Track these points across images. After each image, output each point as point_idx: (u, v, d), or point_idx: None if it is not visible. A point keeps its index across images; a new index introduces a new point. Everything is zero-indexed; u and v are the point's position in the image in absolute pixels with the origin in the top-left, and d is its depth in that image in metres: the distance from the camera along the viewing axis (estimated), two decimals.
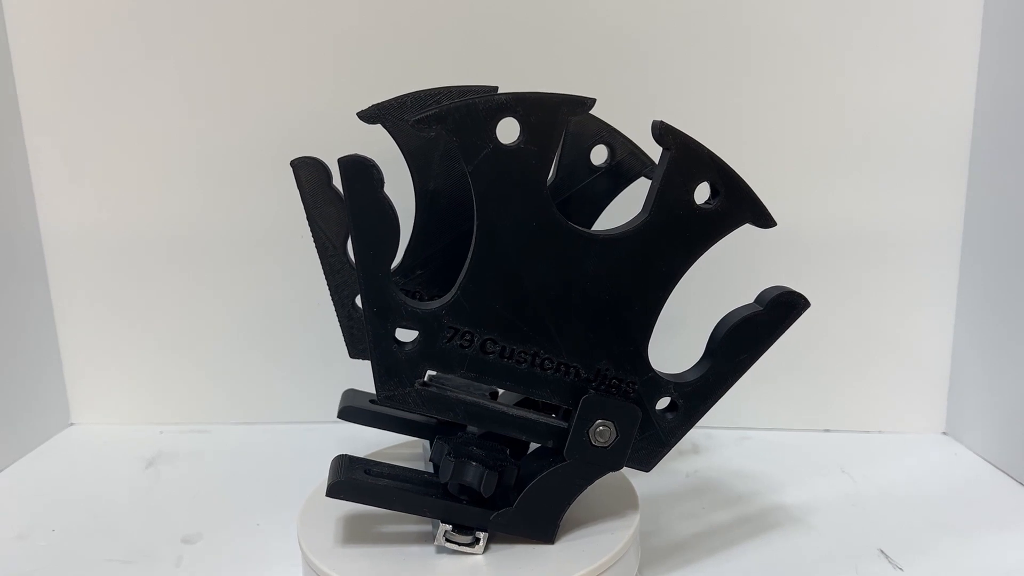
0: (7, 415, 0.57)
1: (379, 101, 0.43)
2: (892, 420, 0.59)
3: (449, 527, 0.38)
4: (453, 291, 0.35)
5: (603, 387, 0.37)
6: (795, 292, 0.39)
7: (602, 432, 0.37)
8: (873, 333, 0.58)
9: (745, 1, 0.55)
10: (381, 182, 0.33)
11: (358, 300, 0.44)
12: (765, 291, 0.40)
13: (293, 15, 0.56)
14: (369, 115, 0.43)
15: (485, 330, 0.35)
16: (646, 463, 0.39)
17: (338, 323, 0.45)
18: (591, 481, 0.39)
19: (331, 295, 0.44)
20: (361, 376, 0.46)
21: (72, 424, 0.64)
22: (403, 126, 0.43)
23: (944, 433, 0.59)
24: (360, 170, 0.32)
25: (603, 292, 0.36)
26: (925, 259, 0.57)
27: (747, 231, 0.54)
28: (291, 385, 0.61)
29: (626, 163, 0.47)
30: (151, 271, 0.61)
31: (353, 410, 0.46)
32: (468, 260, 0.35)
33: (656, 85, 0.56)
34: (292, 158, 0.43)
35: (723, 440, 0.58)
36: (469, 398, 0.37)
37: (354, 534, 0.39)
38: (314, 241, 0.43)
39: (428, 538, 0.39)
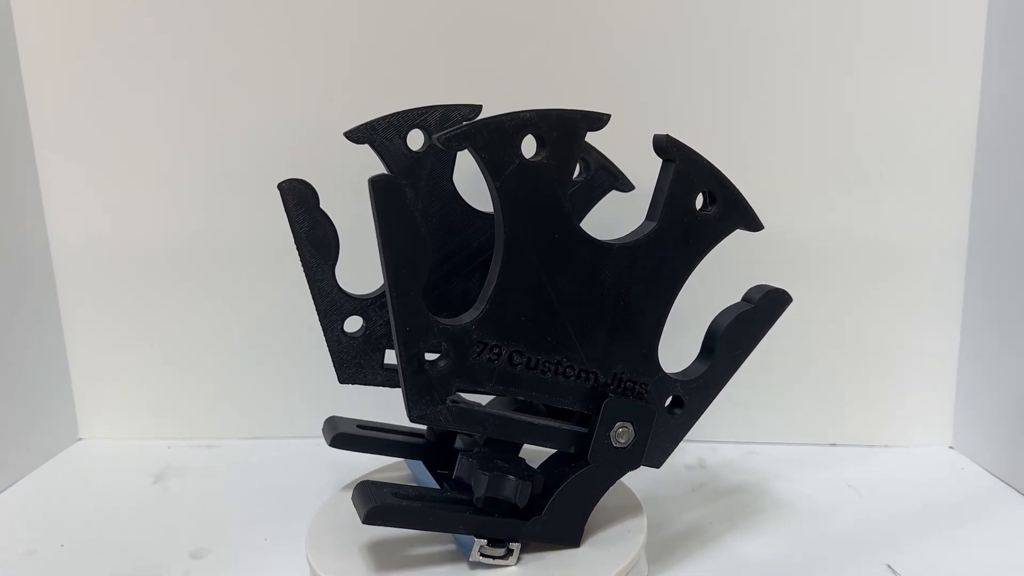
0: (16, 430, 0.57)
1: (364, 121, 0.43)
2: (898, 434, 0.59)
3: (484, 542, 0.38)
4: (480, 306, 0.36)
5: (619, 390, 0.39)
6: (780, 289, 0.41)
7: (622, 433, 0.38)
8: (879, 347, 0.58)
9: (746, 11, 0.55)
10: (413, 201, 0.34)
11: (347, 325, 0.44)
12: (751, 290, 0.42)
13: (306, 28, 0.57)
14: (359, 135, 0.43)
15: (512, 342, 0.36)
16: (658, 460, 0.41)
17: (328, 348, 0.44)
18: (613, 482, 0.40)
19: (320, 319, 0.43)
20: (368, 392, 0.46)
21: (80, 439, 0.64)
22: (392, 146, 0.43)
23: (951, 447, 0.59)
24: (393, 190, 0.33)
25: (619, 299, 0.37)
26: (930, 272, 0.57)
27: (753, 243, 0.54)
28: (299, 400, 0.61)
29: (598, 177, 0.48)
30: (160, 285, 0.61)
31: (345, 437, 0.46)
32: (496, 274, 0.35)
33: (657, 97, 0.56)
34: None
35: (729, 455, 0.58)
36: (496, 411, 0.37)
37: (361, 549, 0.40)
38: (302, 265, 0.43)
39: (434, 545, 0.39)
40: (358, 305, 0.44)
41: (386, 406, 0.47)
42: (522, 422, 0.38)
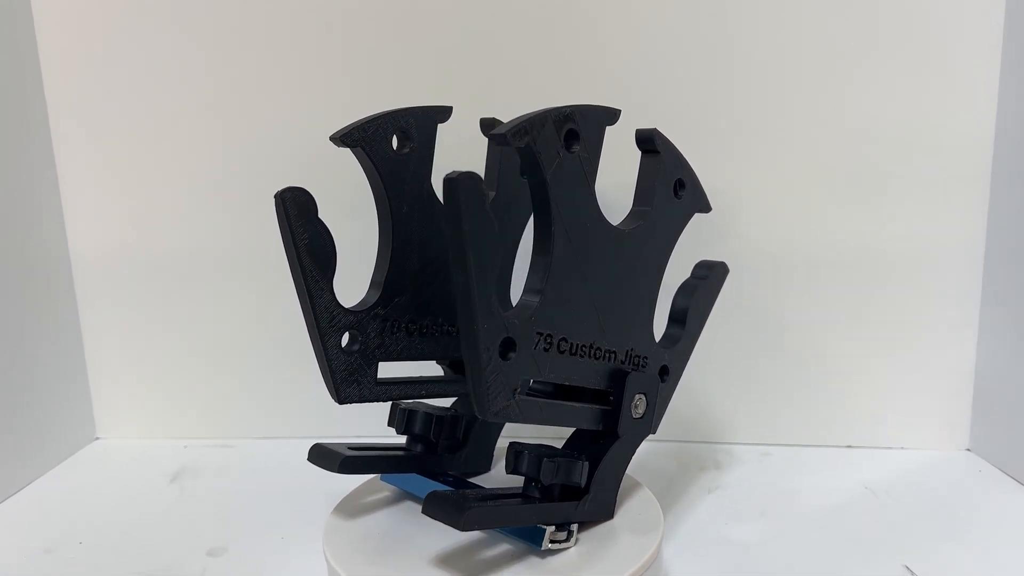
0: (34, 429, 0.58)
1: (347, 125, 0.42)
2: (915, 436, 0.59)
3: (553, 528, 0.39)
4: (533, 297, 0.36)
5: (633, 366, 0.41)
6: (722, 263, 0.46)
7: (637, 405, 0.41)
8: (896, 349, 0.58)
9: (765, 22, 0.55)
10: (488, 199, 0.34)
11: (344, 340, 0.42)
12: (699, 267, 0.46)
13: (329, 39, 0.57)
14: (354, 139, 0.41)
15: (560, 330, 0.37)
16: (657, 425, 0.44)
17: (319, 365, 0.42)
18: (635, 451, 0.43)
19: (317, 337, 0.41)
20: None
21: (97, 438, 0.64)
22: (382, 149, 0.42)
23: (968, 450, 0.59)
24: (473, 187, 0.33)
25: (631, 281, 0.40)
26: (948, 274, 0.57)
27: (772, 247, 0.54)
28: (314, 401, 0.61)
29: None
30: (177, 287, 0.61)
31: (353, 461, 0.43)
32: (548, 265, 0.36)
33: (668, 107, 0.56)
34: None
35: (745, 456, 0.58)
36: (542, 400, 0.38)
37: (377, 547, 0.40)
38: (300, 277, 0.40)
39: (446, 541, 0.40)
40: (354, 319, 0.42)
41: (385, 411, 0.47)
42: (566, 407, 0.39)
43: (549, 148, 0.35)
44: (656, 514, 0.43)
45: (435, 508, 0.36)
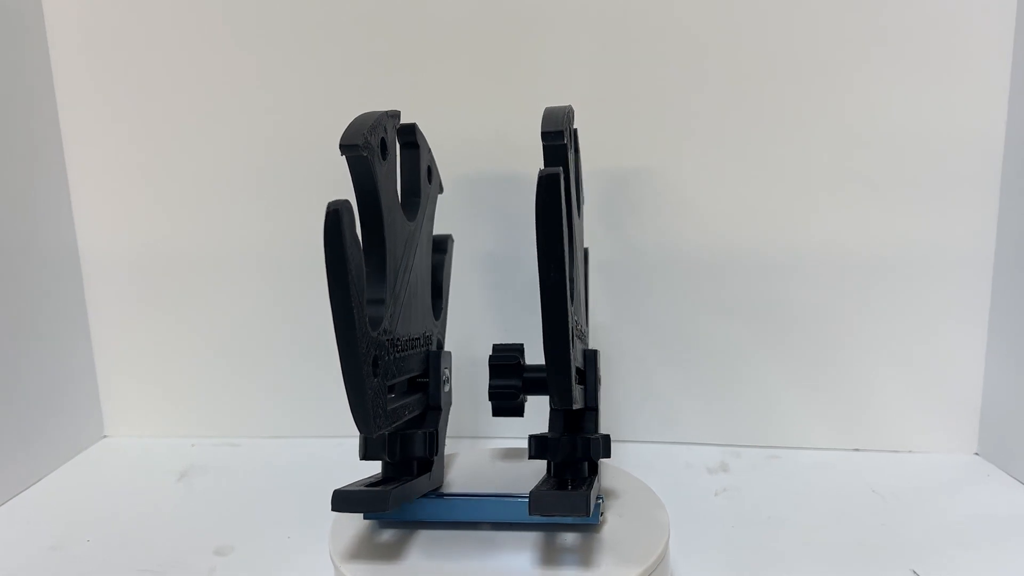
0: (42, 427, 0.58)
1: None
2: (923, 440, 0.59)
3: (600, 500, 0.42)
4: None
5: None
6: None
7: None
8: (904, 353, 0.58)
9: (774, 26, 0.55)
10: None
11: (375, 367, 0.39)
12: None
13: (338, 41, 0.57)
14: (366, 146, 0.37)
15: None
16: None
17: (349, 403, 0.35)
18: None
19: (359, 368, 0.34)
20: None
21: (105, 436, 0.64)
22: (377, 156, 0.38)
23: (976, 454, 0.59)
24: (558, 184, 0.33)
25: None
26: (957, 279, 0.57)
27: (779, 251, 0.54)
28: (321, 400, 0.62)
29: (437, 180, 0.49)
30: (185, 286, 0.62)
31: (393, 495, 0.38)
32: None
33: (672, 107, 0.56)
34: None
35: (752, 459, 0.58)
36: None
37: (382, 546, 0.40)
38: (345, 301, 0.34)
39: (456, 538, 0.40)
40: (377, 343, 0.37)
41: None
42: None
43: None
44: (663, 515, 0.43)
45: (555, 503, 0.36)
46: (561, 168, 0.33)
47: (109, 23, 0.58)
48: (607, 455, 0.41)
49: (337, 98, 0.58)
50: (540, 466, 0.46)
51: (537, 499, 0.36)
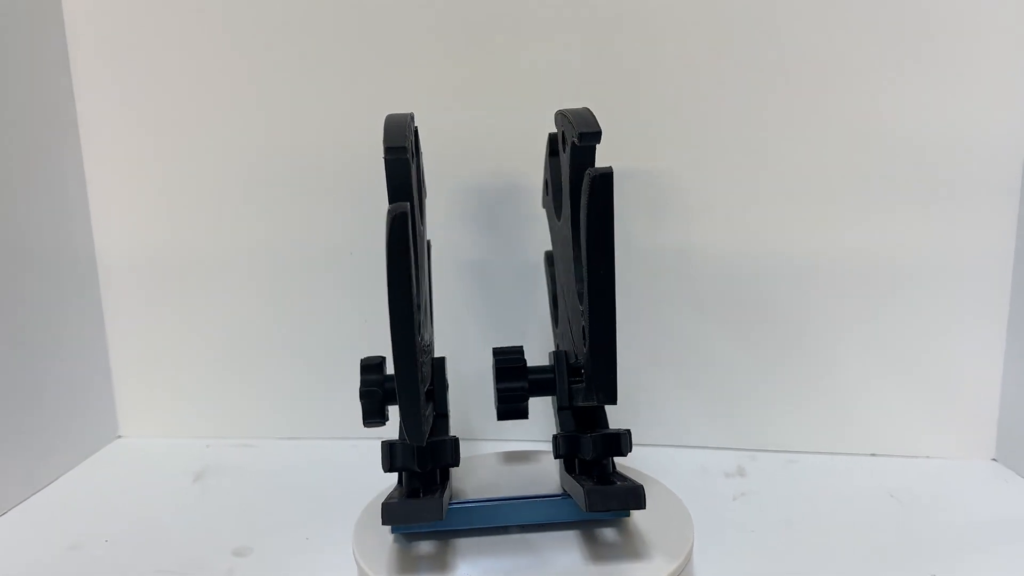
0: (58, 427, 0.58)
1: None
2: (940, 445, 0.59)
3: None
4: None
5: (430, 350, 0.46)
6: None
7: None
8: (921, 356, 0.58)
9: (789, 29, 0.55)
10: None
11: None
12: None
13: (354, 43, 0.57)
14: (407, 149, 0.37)
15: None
16: None
17: (404, 420, 0.35)
18: None
19: (414, 374, 0.33)
20: None
21: (120, 436, 0.64)
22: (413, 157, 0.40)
23: (994, 459, 0.59)
24: (611, 184, 0.34)
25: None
26: (976, 282, 0.57)
27: (795, 255, 0.54)
28: (336, 402, 0.62)
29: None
30: (201, 286, 0.62)
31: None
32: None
33: (685, 111, 0.56)
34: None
35: (768, 463, 0.58)
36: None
37: (405, 548, 0.40)
38: (407, 309, 0.33)
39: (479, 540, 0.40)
40: (423, 349, 0.37)
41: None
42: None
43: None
44: (686, 518, 0.43)
45: (625, 496, 0.37)
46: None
47: (128, 29, 0.58)
48: (630, 449, 0.41)
49: (362, 99, 0.58)
50: (543, 468, 0.47)
51: (593, 495, 0.36)
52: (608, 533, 0.41)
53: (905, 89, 0.55)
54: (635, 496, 0.36)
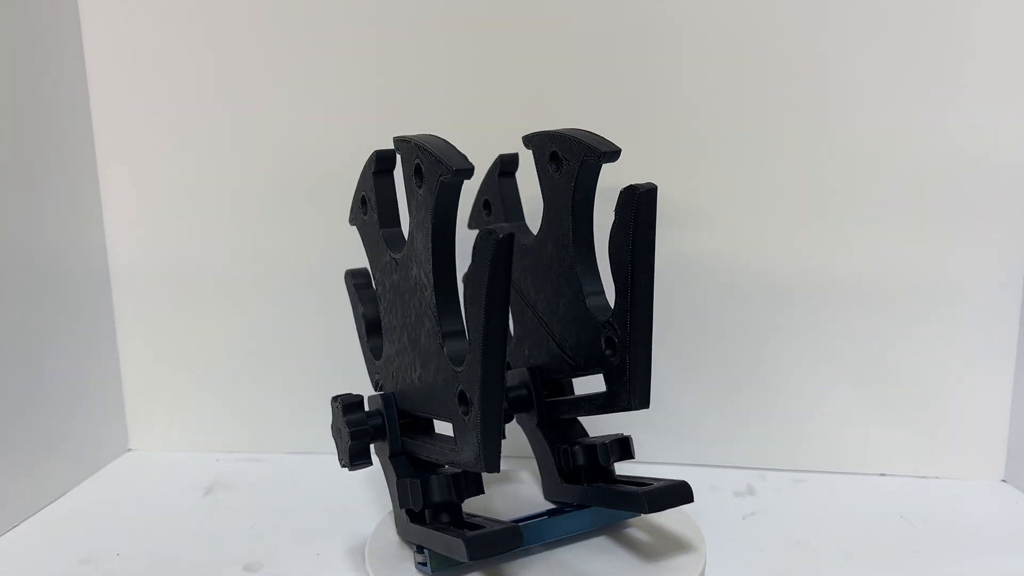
0: (68, 440, 0.58)
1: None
2: (949, 466, 0.59)
3: None
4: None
5: None
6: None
7: None
8: (930, 377, 0.58)
9: (795, 44, 0.55)
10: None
11: None
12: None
13: (371, 52, 0.58)
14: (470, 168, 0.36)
15: None
16: None
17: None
18: None
19: (499, 400, 0.34)
20: None
21: (130, 450, 0.65)
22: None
23: (1003, 480, 0.59)
24: (655, 200, 0.36)
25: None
26: (985, 303, 0.57)
27: (804, 274, 0.54)
28: None
29: None
30: (211, 300, 0.62)
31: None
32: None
33: (686, 119, 0.57)
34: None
35: (777, 482, 0.58)
36: None
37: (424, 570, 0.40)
38: (503, 332, 0.33)
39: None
40: None
41: None
42: None
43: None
44: (698, 536, 0.43)
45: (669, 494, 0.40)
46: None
47: (143, 33, 0.59)
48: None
49: (371, 110, 0.58)
50: (528, 484, 0.49)
51: (653, 496, 0.39)
52: (623, 553, 0.41)
53: (907, 97, 0.55)
54: (685, 491, 0.40)
